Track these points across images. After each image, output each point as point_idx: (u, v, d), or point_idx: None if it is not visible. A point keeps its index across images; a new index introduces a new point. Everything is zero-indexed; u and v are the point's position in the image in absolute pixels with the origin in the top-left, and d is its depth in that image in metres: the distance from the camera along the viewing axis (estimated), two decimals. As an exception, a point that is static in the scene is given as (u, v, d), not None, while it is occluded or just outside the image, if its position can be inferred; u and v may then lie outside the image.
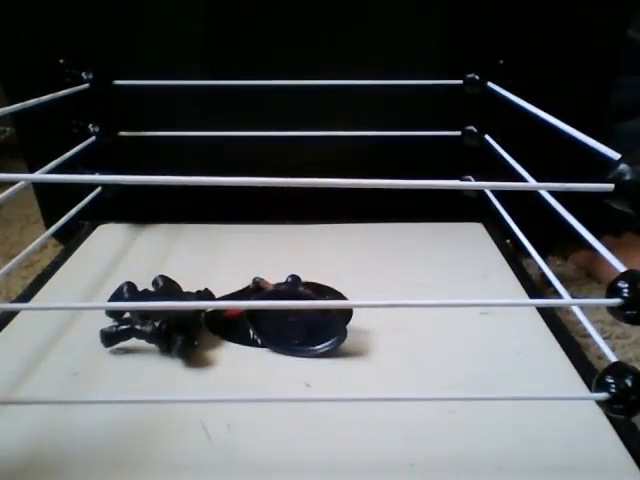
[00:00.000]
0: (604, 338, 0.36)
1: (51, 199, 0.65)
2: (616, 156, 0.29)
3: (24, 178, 0.37)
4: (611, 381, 0.30)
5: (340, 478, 0.33)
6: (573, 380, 0.40)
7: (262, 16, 0.58)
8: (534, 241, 0.46)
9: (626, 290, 0.29)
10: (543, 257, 0.44)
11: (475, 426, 0.36)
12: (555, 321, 0.46)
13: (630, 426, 0.35)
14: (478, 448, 0.34)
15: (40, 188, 0.66)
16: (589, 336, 0.38)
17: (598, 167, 0.32)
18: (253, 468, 0.33)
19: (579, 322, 0.39)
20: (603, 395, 0.30)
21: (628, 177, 0.28)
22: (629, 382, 0.30)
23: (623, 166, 0.28)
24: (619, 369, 0.31)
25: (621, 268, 0.31)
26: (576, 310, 0.40)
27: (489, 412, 0.36)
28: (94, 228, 0.63)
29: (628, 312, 0.29)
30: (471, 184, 0.52)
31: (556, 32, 0.57)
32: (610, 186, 0.28)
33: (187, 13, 0.57)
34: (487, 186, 0.51)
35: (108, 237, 0.61)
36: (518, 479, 0.33)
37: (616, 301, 0.29)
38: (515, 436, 0.35)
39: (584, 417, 0.36)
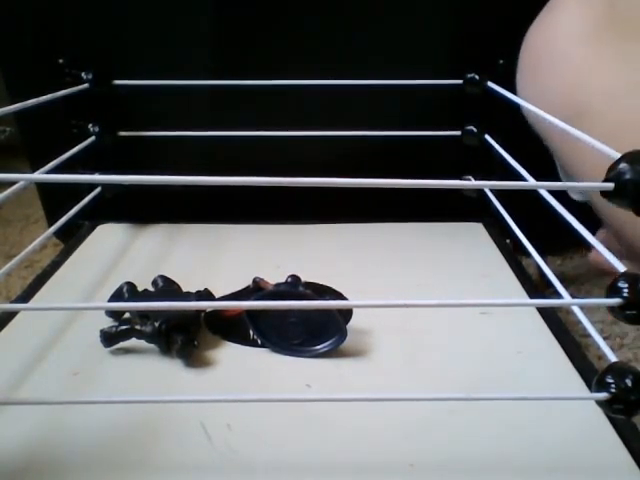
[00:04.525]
0: (604, 338, 0.36)
1: (54, 199, 0.65)
2: (616, 155, 0.29)
3: (24, 178, 0.37)
4: (611, 381, 0.30)
5: (340, 478, 0.33)
6: (573, 380, 0.40)
7: (261, 16, 0.58)
8: (534, 241, 0.46)
9: (626, 290, 0.29)
10: (543, 257, 0.44)
11: (475, 426, 0.36)
12: (555, 321, 0.46)
13: (630, 426, 0.35)
14: (478, 448, 0.34)
15: (43, 188, 0.66)
16: (589, 336, 0.38)
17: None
18: (253, 468, 0.33)
19: (579, 322, 0.39)
20: (603, 395, 0.30)
21: (628, 176, 0.28)
22: (629, 382, 0.29)
23: (623, 165, 0.28)
24: (619, 369, 0.31)
25: (621, 268, 0.31)
26: (576, 310, 0.40)
27: (489, 412, 0.36)
28: (94, 228, 0.63)
29: (628, 312, 0.29)
30: (471, 184, 0.52)
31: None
32: (610, 185, 0.28)
33: (188, 12, 0.57)
34: (487, 185, 0.51)
35: (108, 237, 0.61)
36: (518, 479, 0.33)
37: (616, 301, 0.29)
38: (515, 436, 0.35)
39: (584, 417, 0.36)
